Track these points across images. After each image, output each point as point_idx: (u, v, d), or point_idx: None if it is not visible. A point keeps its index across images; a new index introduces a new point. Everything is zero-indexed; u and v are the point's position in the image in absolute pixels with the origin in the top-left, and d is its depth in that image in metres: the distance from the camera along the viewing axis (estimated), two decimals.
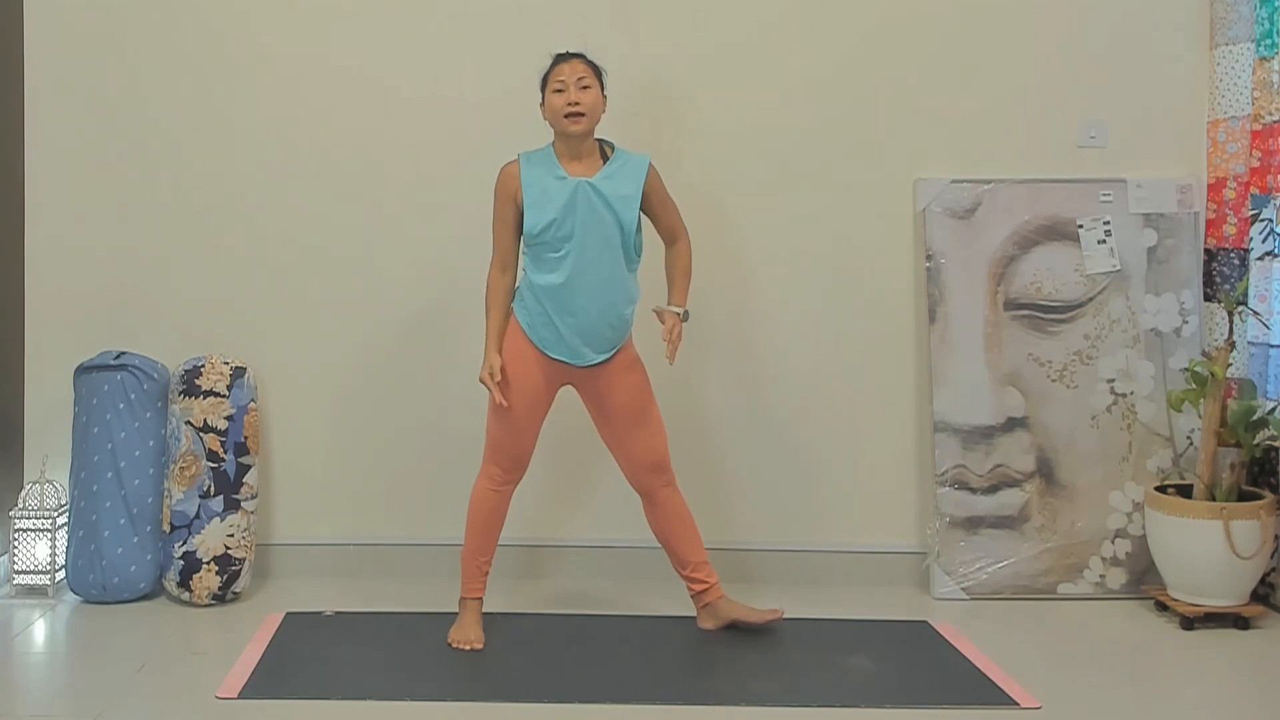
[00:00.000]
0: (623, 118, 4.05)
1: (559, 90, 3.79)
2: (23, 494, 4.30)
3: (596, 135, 3.88)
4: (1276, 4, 4.24)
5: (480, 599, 3.96)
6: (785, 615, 4.04)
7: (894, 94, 4.52)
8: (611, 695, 3.52)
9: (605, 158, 3.87)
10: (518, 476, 3.95)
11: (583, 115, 3.77)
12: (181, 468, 4.21)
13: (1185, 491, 4.27)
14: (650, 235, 3.93)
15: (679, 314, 3.88)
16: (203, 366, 4.28)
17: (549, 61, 3.86)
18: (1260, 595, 4.26)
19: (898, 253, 4.53)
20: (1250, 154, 4.36)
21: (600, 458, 4.48)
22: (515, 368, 3.86)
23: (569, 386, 3.95)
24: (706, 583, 3.98)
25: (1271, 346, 4.28)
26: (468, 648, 3.84)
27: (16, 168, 4.44)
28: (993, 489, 4.44)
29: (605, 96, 3.87)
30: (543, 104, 3.85)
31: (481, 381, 3.84)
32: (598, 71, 3.85)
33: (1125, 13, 4.53)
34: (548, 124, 3.86)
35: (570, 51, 3.86)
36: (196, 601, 4.20)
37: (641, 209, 3.87)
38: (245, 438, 4.26)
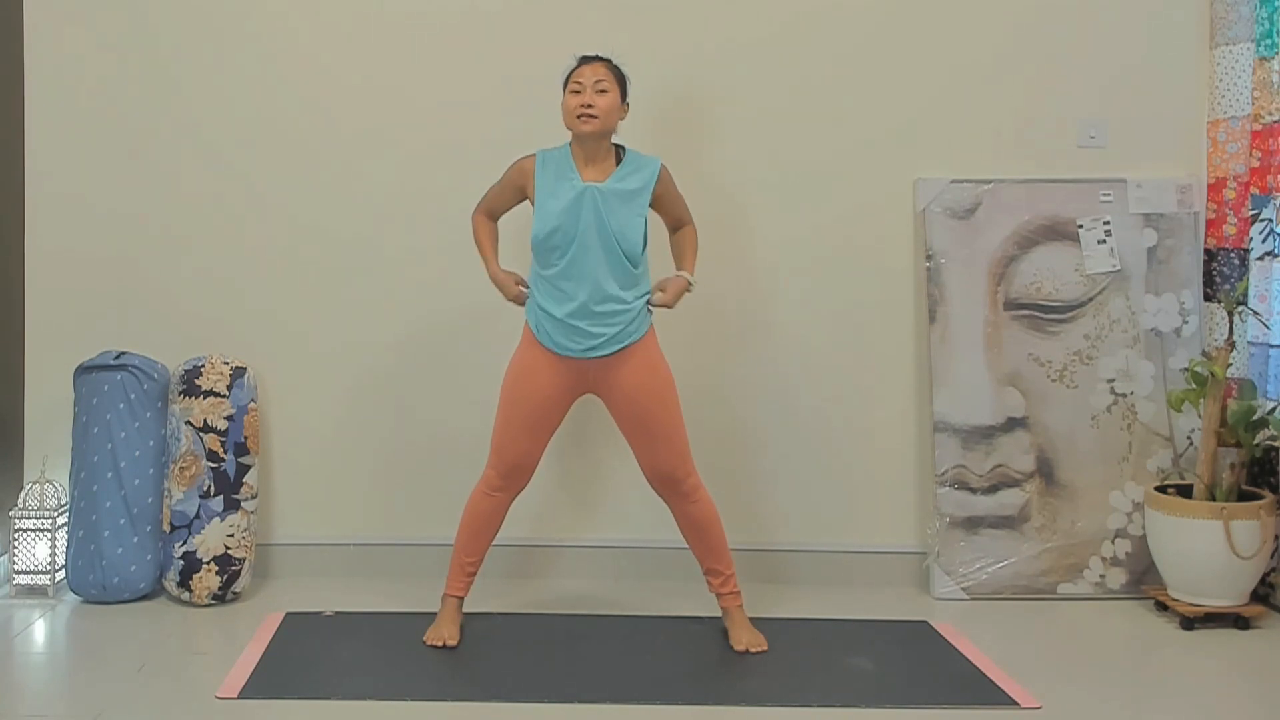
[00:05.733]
0: (626, 119, 4.02)
1: (575, 91, 3.79)
2: (23, 494, 4.30)
3: (614, 140, 3.87)
4: (1276, 4, 4.24)
5: (461, 598, 3.95)
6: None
7: (894, 94, 4.52)
8: (611, 695, 3.52)
9: (620, 162, 3.87)
10: (515, 485, 3.92)
11: (594, 117, 3.76)
12: (181, 468, 4.21)
13: (1185, 491, 4.27)
14: (657, 233, 3.93)
15: (686, 279, 3.92)
16: (203, 366, 4.28)
17: (573, 62, 3.84)
18: (1260, 595, 4.26)
19: (898, 253, 4.53)
20: (1250, 154, 4.36)
21: (601, 459, 4.48)
22: (526, 375, 3.85)
23: (589, 397, 3.95)
24: (715, 587, 3.96)
25: (1271, 346, 4.28)
26: (440, 644, 3.84)
27: (16, 168, 4.44)
28: (993, 489, 4.44)
29: (627, 104, 3.87)
30: (563, 103, 3.85)
31: (512, 297, 3.90)
32: (619, 77, 3.84)
33: (1125, 13, 4.53)
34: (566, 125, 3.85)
35: (595, 55, 3.85)
36: (196, 601, 4.20)
37: (653, 209, 3.88)
38: (245, 438, 4.26)
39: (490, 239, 3.99)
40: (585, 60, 3.84)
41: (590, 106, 3.76)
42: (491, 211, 3.99)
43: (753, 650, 3.86)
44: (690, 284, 3.93)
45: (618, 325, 3.80)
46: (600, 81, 3.78)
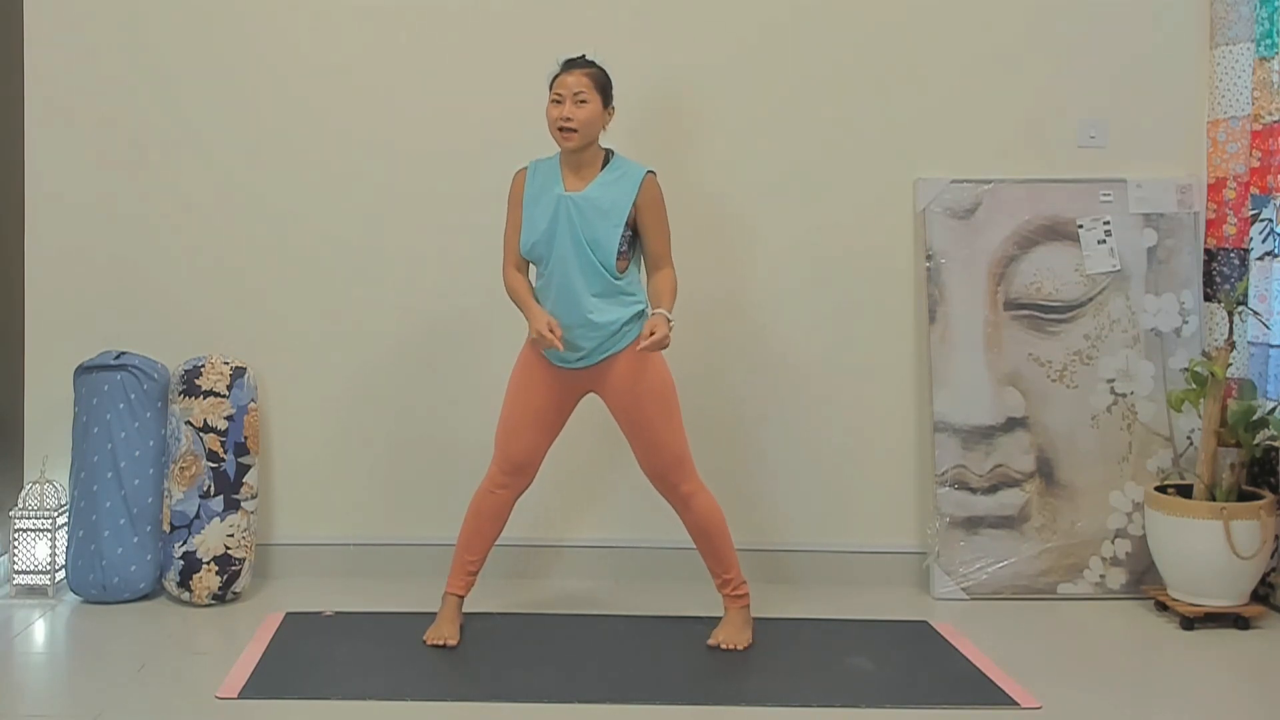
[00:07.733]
0: (625, 119, 4.04)
1: (556, 101, 3.74)
2: (23, 494, 4.30)
3: (604, 144, 3.85)
4: (1276, 4, 4.24)
5: (461, 597, 3.95)
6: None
7: (894, 94, 4.52)
8: (611, 695, 3.52)
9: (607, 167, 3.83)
10: (518, 483, 3.91)
11: (574, 132, 3.72)
12: (181, 468, 4.21)
13: (1185, 491, 4.27)
14: None
15: (665, 315, 3.69)
16: (203, 366, 4.28)
17: (556, 67, 3.80)
18: (1260, 595, 4.26)
19: (898, 253, 4.53)
20: (1250, 154, 4.36)
21: (600, 460, 4.48)
22: (529, 374, 3.85)
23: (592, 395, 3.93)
24: (717, 589, 3.95)
25: (1271, 346, 4.28)
26: (440, 644, 3.84)
27: (16, 168, 4.44)
28: (993, 489, 4.44)
29: (613, 108, 3.82)
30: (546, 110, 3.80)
31: (541, 334, 3.64)
32: (601, 84, 3.77)
33: (1125, 13, 4.53)
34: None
35: (578, 58, 3.80)
36: (196, 601, 4.20)
37: (635, 223, 3.79)
38: (245, 438, 4.26)
39: (524, 284, 3.82)
40: (567, 66, 3.78)
41: (569, 120, 3.71)
42: (519, 260, 3.83)
43: (724, 646, 3.84)
44: (669, 321, 3.68)
45: (595, 340, 3.76)
46: (580, 93, 3.72)
